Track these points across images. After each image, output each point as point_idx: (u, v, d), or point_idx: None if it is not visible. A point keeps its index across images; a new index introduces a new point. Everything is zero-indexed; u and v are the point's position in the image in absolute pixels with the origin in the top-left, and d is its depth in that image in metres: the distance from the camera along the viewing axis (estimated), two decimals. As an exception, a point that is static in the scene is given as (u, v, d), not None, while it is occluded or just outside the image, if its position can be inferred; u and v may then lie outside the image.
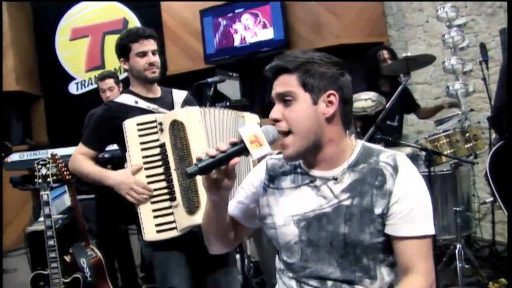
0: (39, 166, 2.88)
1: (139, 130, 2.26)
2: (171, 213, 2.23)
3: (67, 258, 3.03)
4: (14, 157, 3.73)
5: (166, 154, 2.23)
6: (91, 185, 3.95)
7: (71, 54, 6.86)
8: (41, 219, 3.68)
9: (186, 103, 2.52)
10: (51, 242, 2.83)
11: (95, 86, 6.54)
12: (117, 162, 3.12)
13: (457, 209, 3.37)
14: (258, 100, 6.18)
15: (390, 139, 3.12)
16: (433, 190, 3.05)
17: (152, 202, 2.24)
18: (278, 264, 1.54)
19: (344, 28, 5.49)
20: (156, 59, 2.44)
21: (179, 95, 2.56)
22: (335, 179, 1.40)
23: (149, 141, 2.26)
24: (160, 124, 2.25)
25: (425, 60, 3.27)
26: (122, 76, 6.49)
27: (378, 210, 1.35)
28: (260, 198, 1.52)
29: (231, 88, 5.12)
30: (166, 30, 6.42)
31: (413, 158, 3.16)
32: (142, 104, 2.41)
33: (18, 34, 6.49)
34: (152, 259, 2.36)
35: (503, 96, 2.30)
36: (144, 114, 2.32)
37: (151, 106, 2.41)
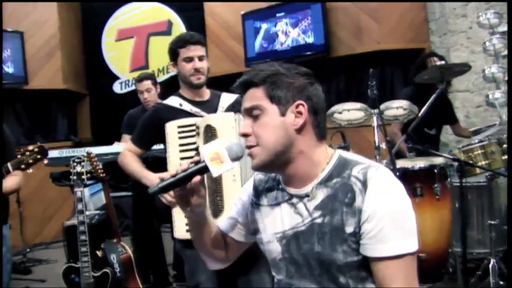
0: (74, 164, 2.97)
1: (179, 132, 2.34)
2: None
3: (99, 253, 3.13)
4: (54, 153, 3.87)
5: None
6: (125, 183, 4.09)
7: (116, 54, 7.06)
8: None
9: (233, 107, 2.53)
10: (82, 237, 2.92)
11: (138, 86, 6.73)
12: (150, 162, 3.19)
13: (492, 222, 3.28)
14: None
15: (421, 148, 3.07)
16: (466, 202, 2.97)
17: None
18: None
19: (385, 33, 5.41)
20: (202, 64, 2.48)
21: (227, 99, 2.58)
22: (307, 196, 1.36)
23: (187, 143, 2.33)
24: (198, 127, 2.31)
25: (461, 68, 3.18)
26: (163, 77, 6.67)
27: (349, 229, 1.27)
28: (249, 213, 1.52)
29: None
30: (208, 33, 6.50)
31: (445, 168, 3.09)
32: (186, 107, 2.47)
33: (67, 35, 6.71)
34: (183, 255, 2.45)
35: None
36: (188, 117, 2.39)
37: (194, 109, 2.46)
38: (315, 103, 1.36)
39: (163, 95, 4.32)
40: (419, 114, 3.02)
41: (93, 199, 4.78)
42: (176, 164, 2.33)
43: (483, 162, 3.14)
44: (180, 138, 2.35)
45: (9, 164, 2.43)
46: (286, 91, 1.34)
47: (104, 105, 7.00)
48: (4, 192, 2.69)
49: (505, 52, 3.77)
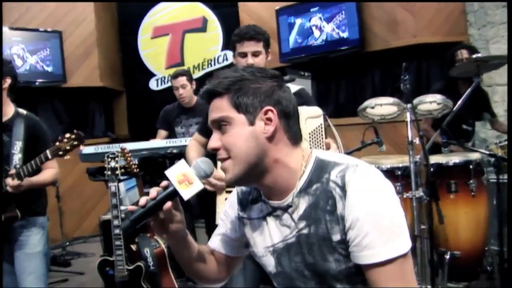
0: (109, 159, 3.03)
1: None
2: None
3: (133, 247, 3.18)
4: (90, 149, 3.95)
5: None
6: (158, 178, 4.14)
7: (152, 51, 7.14)
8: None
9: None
10: (116, 231, 2.96)
11: (174, 82, 6.81)
12: (185, 157, 3.23)
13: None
14: (332, 99, 6.13)
15: (457, 143, 3.00)
16: (502, 198, 2.89)
17: (227, 192, 2.37)
18: None
19: (422, 27, 5.28)
20: (256, 60, 2.47)
21: None
22: (290, 206, 1.28)
23: None
24: None
25: (498, 61, 3.08)
26: (199, 74, 6.72)
27: (336, 237, 1.20)
28: (237, 228, 1.45)
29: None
30: (243, 29, 6.49)
31: (481, 164, 3.01)
32: None
33: (104, 34, 6.84)
34: None
35: None
36: None
37: None
38: (285, 107, 1.28)
39: (199, 91, 4.37)
40: (454, 109, 2.94)
41: (128, 194, 4.85)
42: None
43: (521, 158, 3.04)
44: None
45: (48, 151, 2.52)
46: (253, 97, 1.25)
47: (141, 102, 7.11)
48: (41, 184, 2.79)
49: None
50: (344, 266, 1.21)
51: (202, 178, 1.25)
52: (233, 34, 2.53)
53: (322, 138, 2.37)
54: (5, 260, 2.77)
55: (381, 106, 2.98)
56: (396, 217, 1.17)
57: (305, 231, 1.25)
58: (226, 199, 2.40)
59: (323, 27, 5.87)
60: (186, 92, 4.22)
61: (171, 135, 4.40)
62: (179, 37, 7.05)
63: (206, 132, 2.60)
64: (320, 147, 2.35)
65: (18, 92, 2.87)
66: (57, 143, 2.54)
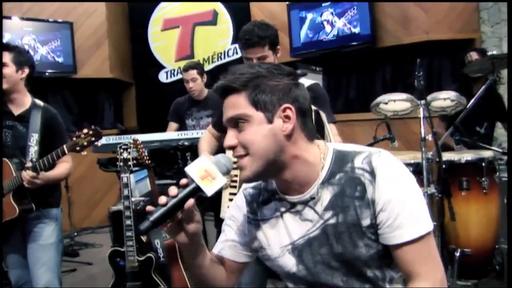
0: (121, 150, 3.03)
1: None
2: None
3: (144, 238, 3.19)
4: (101, 140, 3.96)
5: None
6: (169, 170, 4.15)
7: (162, 44, 7.13)
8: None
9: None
10: (128, 222, 2.97)
11: (183, 75, 6.80)
12: (195, 150, 3.23)
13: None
14: (343, 95, 6.12)
15: (468, 140, 2.99)
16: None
17: (231, 187, 2.39)
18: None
19: (434, 23, 5.27)
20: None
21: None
22: (312, 198, 1.28)
23: None
24: None
25: (513, 59, 3.07)
26: (209, 67, 6.71)
27: (366, 222, 1.24)
28: (246, 231, 1.42)
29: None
30: (254, 23, 6.48)
31: (493, 162, 3.00)
32: None
33: (114, 25, 6.85)
34: None
35: None
36: None
37: None
38: (302, 104, 1.28)
39: (209, 85, 4.37)
40: (468, 106, 2.93)
41: (138, 186, 4.86)
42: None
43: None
44: None
45: (65, 146, 2.52)
46: (271, 95, 1.24)
47: (150, 94, 7.11)
48: (57, 179, 2.79)
49: None
50: (374, 250, 1.25)
51: (224, 174, 1.23)
52: (239, 36, 2.44)
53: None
54: (17, 253, 2.78)
55: (395, 102, 2.97)
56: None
57: (332, 220, 1.27)
58: (230, 193, 2.40)
59: (335, 22, 5.85)
60: (196, 85, 4.22)
61: (182, 127, 4.40)
62: (189, 30, 7.04)
63: (220, 126, 2.59)
64: None
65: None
66: (74, 138, 2.52)
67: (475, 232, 2.96)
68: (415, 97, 2.91)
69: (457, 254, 2.92)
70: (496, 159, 3.02)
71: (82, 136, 2.51)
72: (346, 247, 1.25)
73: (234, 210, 1.47)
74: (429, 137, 2.80)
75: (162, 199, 1.19)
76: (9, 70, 2.65)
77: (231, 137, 1.27)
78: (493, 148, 2.99)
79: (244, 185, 1.46)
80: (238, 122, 1.25)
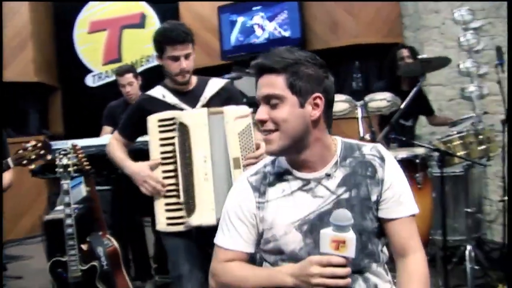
0: (61, 156, 2.93)
1: (159, 126, 2.33)
2: (181, 209, 2.32)
3: (84, 247, 3.10)
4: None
5: (176, 153, 2.31)
6: (106, 176, 4.05)
7: (89, 47, 6.92)
8: (58, 207, 3.77)
9: (219, 94, 2.52)
10: (69, 230, 2.89)
11: (111, 79, 6.63)
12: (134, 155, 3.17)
13: (468, 210, 3.42)
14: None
15: (404, 138, 3.16)
16: (444, 191, 3.07)
17: (166, 196, 2.33)
18: None
19: (361, 28, 5.51)
20: (188, 62, 2.41)
21: (213, 86, 2.53)
22: (328, 175, 1.45)
23: (167, 137, 2.33)
24: (175, 123, 2.31)
25: (440, 62, 3.30)
26: (138, 70, 6.59)
27: (373, 198, 1.44)
28: (256, 218, 1.49)
29: (247, 84, 5.18)
30: (183, 26, 6.46)
31: (426, 158, 3.19)
32: (169, 98, 2.45)
33: (38, 26, 6.57)
34: (165, 247, 2.46)
35: None
36: (169, 109, 2.38)
37: (175, 101, 2.44)
38: (330, 96, 1.44)
39: (143, 87, 4.30)
40: (402, 106, 3.10)
41: (73, 192, 4.71)
42: (157, 157, 2.34)
43: (462, 153, 3.26)
44: (160, 132, 2.33)
45: (9, 160, 2.37)
46: (307, 82, 1.38)
47: (77, 99, 6.86)
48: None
49: (478, 47, 3.92)
50: (374, 225, 1.45)
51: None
52: (160, 35, 2.41)
53: (252, 138, 2.38)
54: None
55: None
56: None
57: (345, 195, 1.44)
58: (166, 204, 2.34)
59: (265, 26, 5.97)
60: (133, 89, 4.14)
61: (117, 131, 4.30)
62: (117, 33, 6.90)
63: (128, 134, 2.55)
64: (250, 148, 2.34)
65: None
66: (20, 151, 2.38)
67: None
68: (353, 98, 3.05)
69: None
70: (428, 156, 3.20)
71: (30, 148, 2.39)
72: (356, 219, 1.36)
73: (243, 203, 1.51)
74: (367, 136, 2.94)
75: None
76: None
77: (263, 112, 1.41)
78: (425, 145, 3.17)
79: (245, 173, 1.56)
80: (272, 100, 1.39)
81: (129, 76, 4.12)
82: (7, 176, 2.62)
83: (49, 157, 2.45)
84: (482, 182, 3.97)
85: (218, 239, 1.55)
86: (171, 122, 2.32)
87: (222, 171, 2.30)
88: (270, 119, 1.40)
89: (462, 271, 3.33)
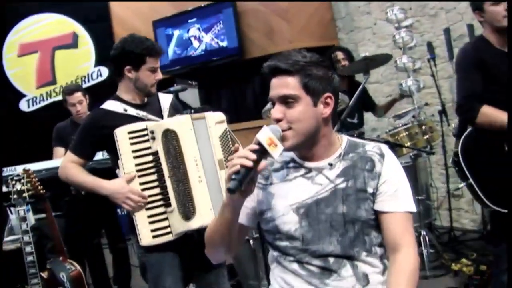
0: (13, 182, 2.83)
1: (130, 138, 2.28)
2: (166, 218, 2.29)
3: (44, 275, 3.00)
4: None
5: (160, 162, 2.29)
6: (57, 201, 3.93)
7: (20, 71, 6.65)
8: (8, 238, 3.62)
9: (173, 108, 2.56)
10: (30, 258, 2.77)
11: (47, 102, 6.47)
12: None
13: (419, 198, 3.60)
14: (214, 107, 6.25)
15: (355, 135, 3.29)
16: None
17: (147, 209, 2.29)
18: (273, 253, 1.61)
19: (296, 33, 5.68)
20: (159, 75, 2.48)
21: (165, 99, 2.58)
22: (330, 164, 1.54)
23: (141, 149, 2.29)
24: (152, 132, 2.28)
25: (383, 58, 3.49)
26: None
27: (370, 190, 1.51)
28: (257, 197, 1.60)
29: (191, 96, 5.20)
30: (118, 43, 6.38)
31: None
32: (132, 111, 2.42)
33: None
34: (145, 261, 2.39)
35: (470, 87, 2.42)
36: (133, 122, 2.34)
37: (141, 113, 2.42)
38: (337, 95, 1.56)
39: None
40: (350, 103, 3.22)
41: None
42: (131, 170, 2.29)
43: (409, 143, 3.44)
44: (132, 144, 2.28)
45: None
46: (319, 83, 1.48)
47: (11, 124, 6.57)
48: None
49: (411, 44, 4.15)
50: (369, 216, 1.51)
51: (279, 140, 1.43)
52: (140, 47, 2.37)
53: (231, 142, 2.45)
54: None
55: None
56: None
57: (342, 185, 1.52)
58: (148, 216, 2.33)
59: (202, 37, 6.00)
60: (83, 107, 4.03)
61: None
62: (49, 55, 6.67)
63: (85, 153, 2.46)
64: (229, 150, 2.41)
65: None
66: None
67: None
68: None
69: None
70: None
71: None
72: (350, 208, 1.49)
73: None
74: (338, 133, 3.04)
75: (247, 162, 1.36)
76: None
77: (278, 112, 1.48)
78: (375, 138, 3.31)
79: None
80: (287, 100, 1.47)
81: (79, 95, 4.02)
82: None
83: None
84: (427, 171, 4.18)
85: None
86: (143, 133, 2.30)
87: (210, 172, 2.33)
88: (285, 118, 1.47)
89: (419, 255, 3.48)
